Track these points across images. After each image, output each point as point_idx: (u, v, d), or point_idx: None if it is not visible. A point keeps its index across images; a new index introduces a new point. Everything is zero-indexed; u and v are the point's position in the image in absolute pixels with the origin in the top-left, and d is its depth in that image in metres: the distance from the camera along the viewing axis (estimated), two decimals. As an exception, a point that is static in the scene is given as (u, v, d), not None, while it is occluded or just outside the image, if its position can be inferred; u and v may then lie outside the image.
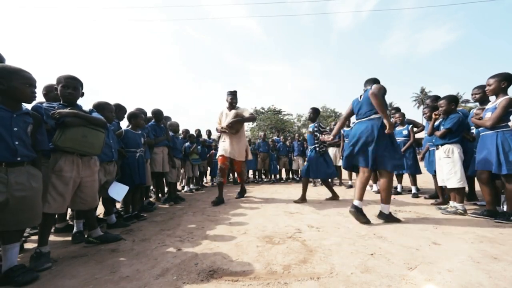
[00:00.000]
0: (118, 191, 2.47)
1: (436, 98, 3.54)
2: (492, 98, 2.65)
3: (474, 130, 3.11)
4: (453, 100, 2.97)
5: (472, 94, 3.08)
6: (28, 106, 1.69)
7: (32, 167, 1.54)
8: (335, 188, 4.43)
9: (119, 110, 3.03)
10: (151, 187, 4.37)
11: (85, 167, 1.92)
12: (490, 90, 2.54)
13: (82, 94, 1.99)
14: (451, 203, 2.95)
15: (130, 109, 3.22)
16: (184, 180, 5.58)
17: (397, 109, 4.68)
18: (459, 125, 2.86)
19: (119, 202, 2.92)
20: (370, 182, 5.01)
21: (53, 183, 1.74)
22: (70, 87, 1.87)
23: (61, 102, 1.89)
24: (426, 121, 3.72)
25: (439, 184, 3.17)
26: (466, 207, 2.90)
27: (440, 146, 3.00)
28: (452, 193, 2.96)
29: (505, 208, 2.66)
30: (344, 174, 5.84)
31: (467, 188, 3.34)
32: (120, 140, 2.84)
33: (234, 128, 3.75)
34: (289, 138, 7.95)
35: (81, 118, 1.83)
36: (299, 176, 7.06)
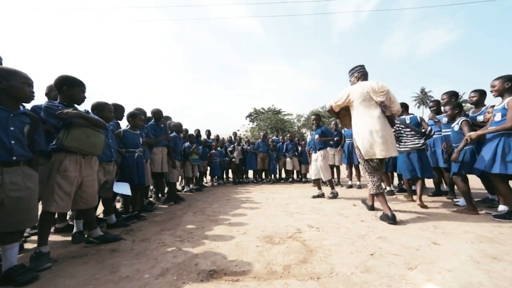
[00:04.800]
0: (122, 188, 2.48)
1: (455, 93, 3.66)
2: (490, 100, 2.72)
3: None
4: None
5: (469, 97, 3.26)
6: (27, 106, 1.69)
7: (28, 168, 1.54)
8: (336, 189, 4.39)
9: (117, 109, 3.02)
10: (151, 187, 4.36)
11: (87, 167, 1.93)
12: (495, 90, 2.60)
13: None
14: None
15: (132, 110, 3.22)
16: (183, 180, 5.57)
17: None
18: None
19: (128, 197, 2.85)
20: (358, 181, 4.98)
21: (59, 183, 1.74)
22: (84, 92, 1.98)
23: (60, 102, 1.87)
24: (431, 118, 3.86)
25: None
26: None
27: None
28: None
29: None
30: (344, 174, 5.84)
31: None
32: (119, 140, 2.84)
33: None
34: (280, 137, 7.99)
35: (85, 119, 1.85)
36: (298, 176, 7.06)
